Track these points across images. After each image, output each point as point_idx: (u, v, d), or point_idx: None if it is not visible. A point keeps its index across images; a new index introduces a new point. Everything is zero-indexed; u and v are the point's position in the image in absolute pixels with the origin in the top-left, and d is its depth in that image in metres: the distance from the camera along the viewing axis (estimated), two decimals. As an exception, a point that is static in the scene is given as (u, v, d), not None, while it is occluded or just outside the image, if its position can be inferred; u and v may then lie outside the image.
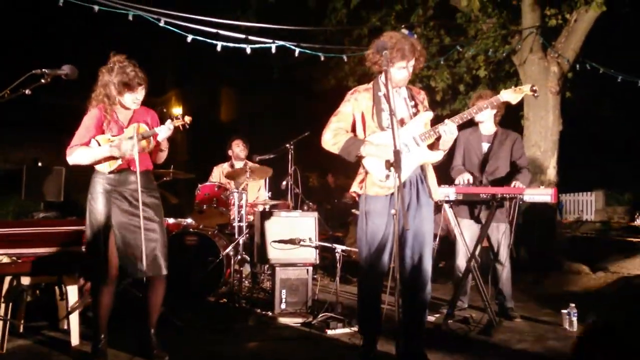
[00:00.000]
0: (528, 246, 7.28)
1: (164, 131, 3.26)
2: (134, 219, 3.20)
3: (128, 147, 3.14)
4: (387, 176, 3.06)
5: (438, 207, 4.26)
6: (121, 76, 3.17)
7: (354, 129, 3.27)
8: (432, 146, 3.23)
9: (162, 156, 3.50)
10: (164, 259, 3.28)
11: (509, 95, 3.22)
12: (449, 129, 3.08)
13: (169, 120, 3.29)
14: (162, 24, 5.62)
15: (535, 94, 3.25)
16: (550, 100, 7.45)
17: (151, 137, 3.29)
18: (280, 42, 6.32)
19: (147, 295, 3.35)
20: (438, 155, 3.20)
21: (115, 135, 3.24)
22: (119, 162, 3.21)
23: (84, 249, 3.31)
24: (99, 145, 3.18)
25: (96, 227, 3.18)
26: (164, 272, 3.28)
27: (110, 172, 3.21)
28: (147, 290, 3.35)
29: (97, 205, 3.19)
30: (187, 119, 3.34)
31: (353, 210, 7.04)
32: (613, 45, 9.19)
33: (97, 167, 3.22)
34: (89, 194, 3.23)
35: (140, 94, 3.27)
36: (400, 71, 3.13)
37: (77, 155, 3.17)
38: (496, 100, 3.25)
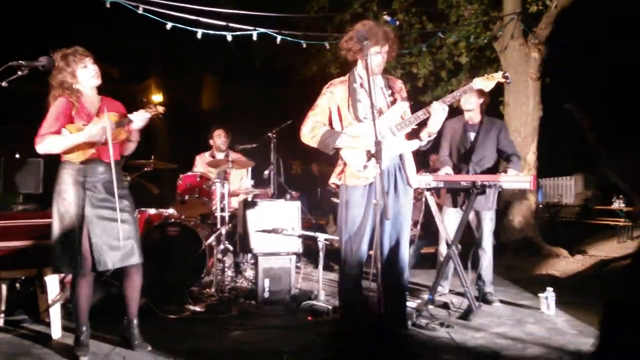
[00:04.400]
0: (508, 231, 7.38)
1: (139, 118, 3.22)
2: (107, 210, 3.18)
3: (99, 132, 3.10)
4: (365, 166, 3.10)
5: (420, 194, 4.30)
6: (65, 60, 3.15)
7: (331, 122, 3.29)
8: (417, 133, 3.25)
9: (131, 147, 3.45)
10: (138, 248, 3.28)
11: (482, 83, 3.24)
12: (438, 108, 3.09)
13: (142, 110, 3.25)
14: (140, 11, 5.53)
15: (507, 81, 3.27)
16: (530, 87, 7.51)
17: (125, 126, 3.25)
18: (262, 30, 6.27)
19: (125, 285, 3.35)
20: (414, 145, 3.23)
21: (86, 124, 3.18)
22: (92, 151, 3.17)
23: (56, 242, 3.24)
24: (70, 133, 3.12)
25: (68, 218, 3.13)
26: (140, 260, 3.28)
27: (81, 163, 3.16)
28: (124, 281, 3.35)
29: (68, 196, 3.13)
30: (160, 108, 3.31)
31: (333, 199, 7.08)
32: (593, 31, 9.27)
33: (68, 157, 3.16)
34: (57, 185, 3.17)
35: (92, 65, 3.23)
36: (376, 56, 3.14)
37: (48, 143, 3.09)
38: (469, 88, 3.27)
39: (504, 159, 4.58)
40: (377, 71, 3.23)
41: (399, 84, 3.41)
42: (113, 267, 3.20)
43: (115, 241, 3.17)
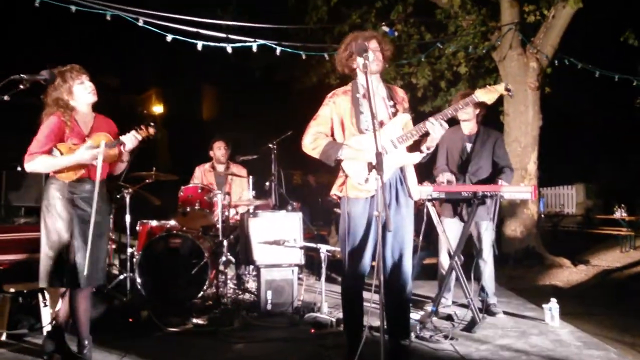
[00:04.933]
0: (510, 241, 7.37)
1: (130, 141, 3.26)
2: (92, 229, 3.18)
3: (89, 156, 3.13)
4: (367, 179, 3.08)
5: (422, 205, 4.29)
6: (61, 76, 3.18)
7: (333, 132, 3.29)
8: (417, 145, 3.24)
9: (122, 167, 3.50)
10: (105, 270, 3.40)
11: (484, 95, 3.20)
12: (437, 126, 3.09)
13: (134, 131, 3.29)
14: (140, 23, 5.57)
15: (510, 93, 3.24)
16: (529, 96, 7.55)
17: (116, 147, 3.28)
18: (261, 41, 6.31)
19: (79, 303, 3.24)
20: (416, 158, 3.22)
21: (77, 144, 3.18)
22: (82, 171, 3.19)
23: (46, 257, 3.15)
24: (61, 153, 3.13)
25: (60, 233, 3.12)
26: (104, 282, 3.45)
27: (70, 181, 3.17)
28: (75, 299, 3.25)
29: (60, 212, 3.13)
30: (151, 130, 3.35)
31: (336, 210, 7.07)
32: (590, 40, 9.33)
33: (59, 175, 3.17)
34: (45, 201, 3.16)
35: (88, 82, 3.27)
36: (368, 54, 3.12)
37: (38, 163, 3.10)
38: (471, 101, 3.24)
39: (497, 170, 4.55)
40: (375, 69, 3.19)
41: (401, 94, 3.39)
42: (97, 283, 3.28)
43: (96, 258, 3.20)
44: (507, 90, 3.20)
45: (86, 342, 3.21)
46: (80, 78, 3.24)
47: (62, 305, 3.30)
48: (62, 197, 3.15)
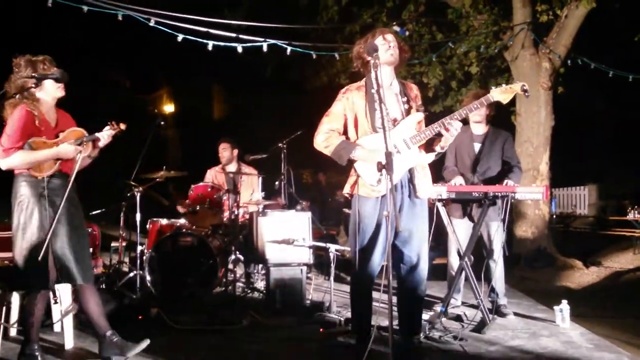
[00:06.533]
0: (521, 242, 7.31)
1: (105, 137, 3.25)
2: (68, 225, 3.11)
3: (73, 150, 3.10)
4: (379, 180, 3.06)
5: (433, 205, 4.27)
6: (32, 65, 3.09)
7: (346, 129, 3.26)
8: (430, 144, 3.22)
9: (87, 163, 3.38)
10: (92, 266, 3.30)
11: (500, 95, 3.14)
12: (452, 127, 3.07)
13: (107, 127, 3.27)
14: (152, 23, 5.61)
15: (526, 94, 3.18)
16: (542, 96, 7.48)
17: (91, 142, 3.24)
18: (272, 41, 6.32)
19: (83, 303, 3.22)
20: (428, 158, 3.20)
21: (50, 139, 3.12)
22: (56, 166, 3.11)
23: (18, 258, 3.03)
24: (32, 149, 3.03)
25: (37, 234, 3.00)
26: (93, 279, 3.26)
27: (46, 177, 3.08)
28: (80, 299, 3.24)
29: (35, 211, 3.01)
30: (123, 126, 3.33)
31: (345, 210, 7.06)
32: (604, 40, 9.23)
33: (33, 171, 3.05)
34: (19, 198, 3.04)
35: None
36: (385, 51, 3.12)
37: (16, 159, 2.98)
38: (487, 100, 3.19)
39: (506, 170, 4.51)
40: (389, 59, 3.17)
41: (414, 91, 3.36)
42: (73, 283, 3.19)
43: (80, 255, 3.14)
44: (524, 90, 3.13)
45: (36, 346, 3.15)
46: (52, 71, 3.15)
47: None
48: (36, 193, 3.04)
